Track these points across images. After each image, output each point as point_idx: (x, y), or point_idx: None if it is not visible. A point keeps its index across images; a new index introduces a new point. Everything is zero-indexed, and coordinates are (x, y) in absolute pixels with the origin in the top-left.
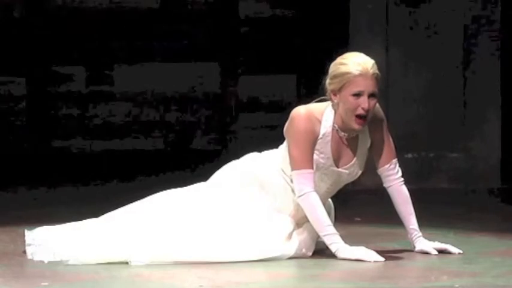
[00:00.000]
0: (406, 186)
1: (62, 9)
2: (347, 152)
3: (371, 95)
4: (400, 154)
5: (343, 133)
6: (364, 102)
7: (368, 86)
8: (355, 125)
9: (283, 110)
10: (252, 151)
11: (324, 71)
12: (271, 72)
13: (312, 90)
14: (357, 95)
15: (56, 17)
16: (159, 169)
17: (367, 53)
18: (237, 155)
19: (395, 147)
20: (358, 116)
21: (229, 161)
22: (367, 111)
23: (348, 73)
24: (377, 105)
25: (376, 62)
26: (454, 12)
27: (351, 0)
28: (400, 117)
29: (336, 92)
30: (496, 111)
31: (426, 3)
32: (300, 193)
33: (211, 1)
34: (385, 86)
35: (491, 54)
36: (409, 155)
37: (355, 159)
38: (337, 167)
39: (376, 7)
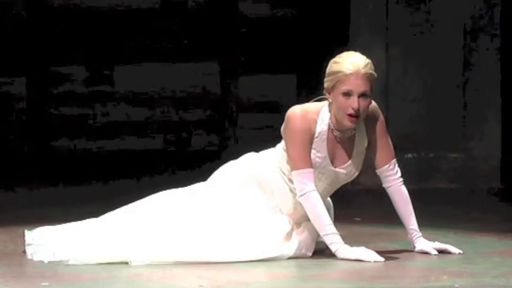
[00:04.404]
0: (406, 186)
1: (62, 9)
2: (343, 152)
3: (362, 95)
4: (400, 154)
5: (338, 132)
6: (353, 102)
7: (358, 85)
8: (347, 123)
9: (283, 110)
10: (251, 151)
11: (324, 71)
12: (271, 72)
13: (312, 91)
14: (347, 94)
15: (56, 16)
16: (159, 169)
17: (367, 53)
18: (237, 155)
19: (395, 147)
20: (350, 115)
21: (229, 161)
22: (358, 110)
23: (339, 72)
24: (375, 105)
25: (376, 62)
26: (454, 12)
27: (351, 0)
28: (400, 117)
29: (329, 90)
30: (496, 111)
31: (426, 3)
32: (301, 192)
33: (211, 1)
34: (385, 86)
35: (491, 54)
36: (409, 155)
37: (352, 158)
38: (334, 166)
39: (376, 7)
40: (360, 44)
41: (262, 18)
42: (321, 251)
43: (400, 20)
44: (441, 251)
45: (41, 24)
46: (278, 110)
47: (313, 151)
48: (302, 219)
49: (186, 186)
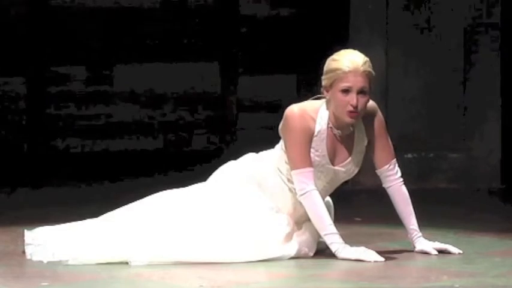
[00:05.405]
0: (406, 186)
1: (62, 8)
2: (343, 150)
3: (360, 92)
4: (400, 154)
5: (337, 131)
6: (352, 98)
7: (357, 82)
8: (347, 119)
9: (283, 110)
10: (251, 151)
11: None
12: (271, 72)
13: (312, 90)
14: (346, 91)
15: (56, 16)
16: (159, 169)
17: (367, 53)
18: (237, 155)
19: (395, 147)
20: (349, 111)
21: (229, 161)
22: (356, 107)
23: (338, 69)
24: (374, 105)
25: (376, 62)
26: (454, 12)
27: (351, 0)
28: (400, 117)
29: (328, 88)
30: (496, 111)
31: (426, 3)
32: (302, 192)
33: (211, 1)
34: (384, 86)
35: (491, 54)
36: (409, 155)
37: (351, 157)
38: (333, 164)
39: (376, 7)
40: (359, 43)
41: (262, 18)
42: (321, 251)
43: (400, 20)
44: (441, 251)
45: (41, 24)
46: (278, 110)
47: (312, 150)
48: (302, 219)
49: (186, 186)
